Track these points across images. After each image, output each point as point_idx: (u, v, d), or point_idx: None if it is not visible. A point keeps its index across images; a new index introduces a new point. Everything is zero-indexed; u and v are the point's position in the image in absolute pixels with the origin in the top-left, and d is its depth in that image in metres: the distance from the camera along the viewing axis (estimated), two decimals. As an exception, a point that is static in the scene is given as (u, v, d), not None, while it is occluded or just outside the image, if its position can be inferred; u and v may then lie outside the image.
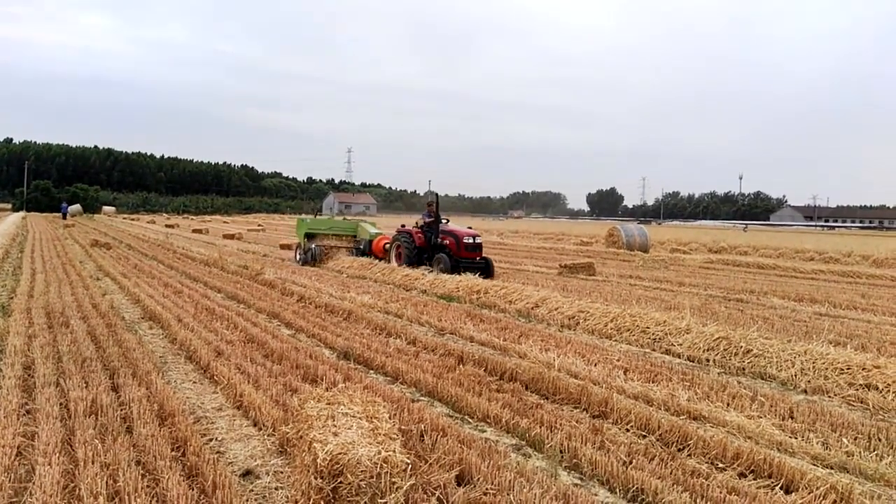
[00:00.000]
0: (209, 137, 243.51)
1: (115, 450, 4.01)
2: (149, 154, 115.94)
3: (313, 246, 17.17)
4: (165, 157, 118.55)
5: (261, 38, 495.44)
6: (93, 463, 3.77)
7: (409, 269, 14.39)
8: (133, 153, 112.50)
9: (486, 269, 14.36)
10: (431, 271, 13.83)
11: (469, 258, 14.47)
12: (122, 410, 4.81)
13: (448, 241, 14.78)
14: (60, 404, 4.90)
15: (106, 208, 73.91)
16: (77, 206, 64.19)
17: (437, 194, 15.73)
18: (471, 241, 14.67)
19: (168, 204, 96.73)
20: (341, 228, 18.70)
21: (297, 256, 17.78)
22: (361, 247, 17.24)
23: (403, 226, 16.45)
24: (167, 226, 41.81)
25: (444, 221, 15.37)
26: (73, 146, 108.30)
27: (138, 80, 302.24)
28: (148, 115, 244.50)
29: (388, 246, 16.24)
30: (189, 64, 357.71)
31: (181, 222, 51.21)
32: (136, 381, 5.54)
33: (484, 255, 15.25)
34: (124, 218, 61.19)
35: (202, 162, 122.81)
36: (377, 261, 15.93)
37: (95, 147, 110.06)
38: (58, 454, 3.89)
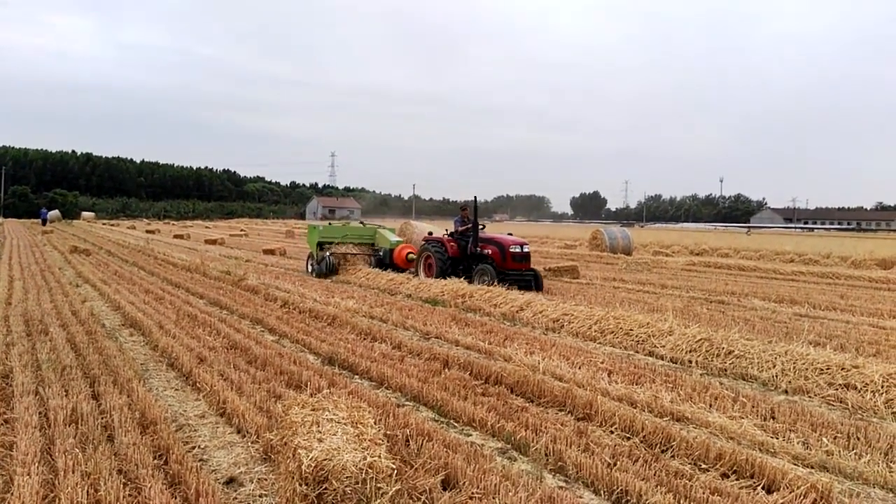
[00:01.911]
0: (190, 142, 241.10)
1: (95, 459, 3.95)
2: (129, 159, 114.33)
3: (328, 255, 15.57)
4: (145, 161, 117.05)
5: (243, 41, 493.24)
6: (73, 472, 3.72)
7: (392, 274, 14.31)
8: (112, 158, 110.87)
9: (536, 283, 12.71)
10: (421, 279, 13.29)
11: (516, 270, 12.67)
12: (102, 419, 4.75)
13: (490, 251, 12.98)
14: (40, 413, 4.83)
15: (85, 214, 73.00)
16: (56, 212, 63.33)
17: (475, 198, 13.45)
18: (518, 249, 12.87)
19: (149, 209, 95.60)
20: (358, 236, 16.89)
21: (310, 268, 16.24)
22: (381, 255, 15.70)
23: (430, 233, 15.05)
24: (148, 231, 41.23)
25: (481, 228, 13.68)
26: (52, 151, 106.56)
27: (117, 83, 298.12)
28: (127, 119, 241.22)
29: (410, 255, 14.87)
30: (169, 67, 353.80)
31: (162, 228, 50.58)
32: (117, 389, 5.47)
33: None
34: (104, 224, 60.25)
35: (183, 167, 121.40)
36: (402, 273, 14.29)
37: (74, 152, 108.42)
38: (37, 464, 3.83)
